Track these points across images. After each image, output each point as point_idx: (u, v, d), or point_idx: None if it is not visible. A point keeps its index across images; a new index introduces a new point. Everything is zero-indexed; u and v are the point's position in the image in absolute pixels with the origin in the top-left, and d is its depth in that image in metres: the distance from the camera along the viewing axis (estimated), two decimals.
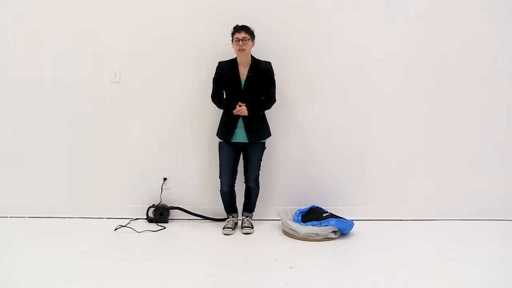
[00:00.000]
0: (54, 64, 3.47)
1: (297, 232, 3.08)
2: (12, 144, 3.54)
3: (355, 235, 3.16)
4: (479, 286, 2.43)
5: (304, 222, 3.18)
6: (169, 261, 2.74)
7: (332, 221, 3.11)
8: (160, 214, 3.43)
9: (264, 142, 3.23)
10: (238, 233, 3.25)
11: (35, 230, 3.30)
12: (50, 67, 3.47)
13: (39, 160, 3.54)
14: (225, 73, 3.13)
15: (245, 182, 3.27)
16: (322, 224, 3.09)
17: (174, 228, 3.36)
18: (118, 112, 3.50)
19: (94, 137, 3.52)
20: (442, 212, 3.51)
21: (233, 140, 3.15)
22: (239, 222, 3.36)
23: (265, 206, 3.47)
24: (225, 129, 3.16)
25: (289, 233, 3.15)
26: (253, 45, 3.12)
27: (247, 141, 3.14)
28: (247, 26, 3.07)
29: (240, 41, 3.01)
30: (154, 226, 3.36)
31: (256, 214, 3.39)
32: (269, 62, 3.17)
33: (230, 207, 3.33)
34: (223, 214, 3.39)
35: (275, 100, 3.19)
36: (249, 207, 3.32)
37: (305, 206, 3.40)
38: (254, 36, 3.11)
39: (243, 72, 3.11)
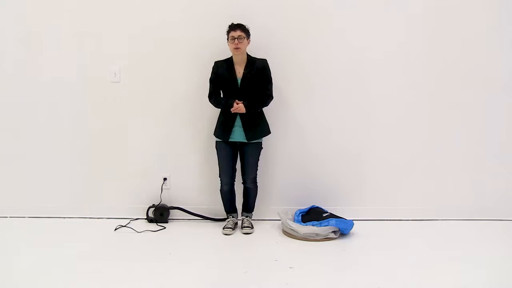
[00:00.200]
0: (54, 64, 3.47)
1: (297, 232, 3.08)
2: (12, 144, 3.54)
3: (355, 235, 3.16)
4: (479, 286, 2.43)
5: (304, 222, 3.18)
6: (169, 261, 2.74)
7: (332, 221, 3.11)
8: (160, 214, 3.43)
9: (261, 142, 3.22)
10: (238, 233, 3.25)
11: (35, 230, 3.31)
12: (50, 67, 3.47)
13: (39, 160, 3.55)
14: (222, 72, 3.13)
15: (243, 183, 3.26)
16: (322, 224, 3.09)
17: (174, 228, 3.36)
18: (118, 112, 3.50)
19: (94, 137, 3.52)
20: (442, 212, 3.51)
21: (230, 139, 3.15)
22: (239, 222, 3.36)
23: (265, 206, 3.47)
24: (223, 128, 3.16)
25: (289, 233, 3.15)
26: (249, 43, 3.13)
27: (244, 140, 3.13)
28: (242, 25, 3.07)
29: (236, 39, 3.01)
30: (154, 226, 3.36)
31: (256, 214, 3.39)
32: (265, 60, 3.17)
33: (230, 207, 3.33)
34: (223, 214, 3.39)
35: (272, 97, 3.19)
36: (248, 207, 3.32)
37: (305, 206, 3.40)
38: (249, 35, 3.11)
39: (239, 70, 3.12)
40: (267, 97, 3.16)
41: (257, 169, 3.24)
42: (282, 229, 3.24)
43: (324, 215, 3.22)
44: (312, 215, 3.24)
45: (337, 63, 3.43)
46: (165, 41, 3.43)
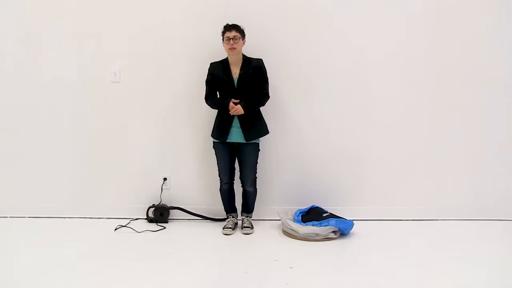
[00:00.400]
0: (54, 64, 3.47)
1: (297, 232, 3.08)
2: (12, 144, 3.54)
3: (355, 235, 3.16)
4: (479, 286, 2.43)
5: (304, 222, 3.18)
6: (169, 261, 2.74)
7: (332, 221, 3.11)
8: (160, 214, 3.43)
9: (258, 144, 3.21)
10: (238, 233, 3.25)
11: (35, 230, 3.31)
12: (50, 67, 3.48)
13: (39, 160, 3.55)
14: (218, 73, 3.13)
15: (242, 186, 3.25)
16: (322, 224, 3.09)
17: (174, 228, 3.36)
18: (118, 112, 3.50)
19: (94, 137, 3.52)
20: (442, 212, 3.51)
21: (228, 140, 3.15)
22: (239, 222, 3.35)
23: (265, 206, 3.47)
24: (220, 129, 3.16)
25: (289, 233, 3.15)
26: (244, 43, 3.12)
27: (242, 140, 3.13)
28: (237, 25, 3.07)
29: (231, 39, 3.02)
30: (154, 226, 3.36)
31: (256, 214, 3.39)
32: (261, 59, 3.17)
33: (229, 207, 3.33)
34: (223, 214, 3.39)
35: (268, 97, 3.18)
36: (248, 208, 3.32)
37: (305, 206, 3.40)
38: (244, 35, 3.11)
39: (235, 71, 3.12)
40: (264, 96, 3.16)
41: (256, 171, 3.24)
42: (282, 229, 3.24)
43: (324, 215, 3.22)
44: (312, 215, 3.24)
45: (337, 63, 3.43)
46: (165, 41, 3.43)
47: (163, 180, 3.54)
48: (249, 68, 3.10)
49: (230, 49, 3.04)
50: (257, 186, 3.27)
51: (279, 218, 3.29)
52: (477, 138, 3.50)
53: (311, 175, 3.52)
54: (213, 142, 3.24)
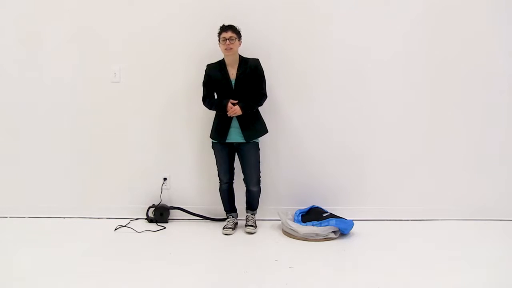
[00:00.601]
0: (54, 64, 3.47)
1: (297, 232, 3.08)
2: (12, 144, 3.54)
3: (355, 235, 3.16)
4: (479, 286, 2.43)
5: (304, 222, 3.18)
6: (169, 261, 2.74)
7: (332, 221, 3.11)
8: (160, 214, 3.43)
9: (258, 143, 3.21)
10: (238, 233, 3.25)
11: (35, 230, 3.31)
12: (50, 67, 3.48)
13: (39, 160, 3.55)
14: (214, 74, 3.14)
15: (246, 186, 3.25)
16: (322, 224, 3.09)
17: (174, 228, 3.36)
18: (118, 112, 3.50)
19: (94, 137, 3.53)
20: (442, 212, 3.51)
21: (227, 141, 3.14)
22: (243, 220, 3.34)
23: (265, 206, 3.46)
24: (219, 130, 3.16)
25: (289, 233, 3.15)
26: (240, 44, 3.13)
27: (241, 140, 3.12)
28: (233, 26, 3.08)
29: (227, 40, 3.02)
30: (154, 226, 3.36)
31: (256, 214, 3.38)
32: (257, 59, 3.16)
33: (229, 206, 3.34)
34: (223, 214, 3.39)
35: (266, 96, 3.18)
36: (252, 206, 3.31)
37: (305, 206, 3.40)
38: (240, 36, 3.11)
39: (232, 71, 3.12)
40: (262, 96, 3.16)
41: (259, 171, 3.23)
42: (282, 229, 3.24)
43: (324, 215, 3.22)
44: (312, 215, 3.24)
45: (337, 63, 3.43)
46: (165, 41, 3.43)
47: (163, 180, 3.54)
48: (246, 68, 3.10)
49: (226, 49, 3.04)
50: (261, 186, 3.26)
51: (279, 218, 3.29)
52: (477, 138, 3.50)
53: (311, 175, 3.52)
54: (212, 142, 3.24)
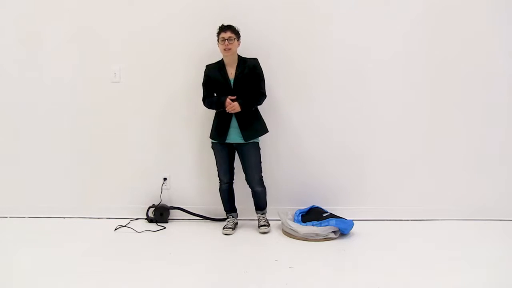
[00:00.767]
0: (54, 64, 3.48)
1: (297, 232, 3.08)
2: (12, 144, 3.55)
3: (355, 235, 3.16)
4: (479, 286, 2.43)
5: (304, 222, 3.18)
6: (169, 261, 2.74)
7: (332, 221, 3.11)
8: (160, 214, 3.43)
9: (258, 143, 3.21)
10: (238, 233, 3.25)
11: (35, 230, 3.31)
12: (50, 67, 3.48)
13: (39, 160, 3.55)
14: (214, 75, 3.15)
15: (250, 187, 3.25)
16: (322, 224, 3.09)
17: (174, 228, 3.36)
18: (118, 112, 3.50)
19: (94, 137, 3.53)
20: (442, 212, 3.51)
21: (227, 141, 3.14)
22: (255, 222, 3.34)
23: None
24: (218, 130, 3.16)
25: (289, 233, 3.15)
26: (239, 44, 3.13)
27: (241, 141, 3.12)
28: (232, 26, 3.09)
29: (226, 40, 3.03)
30: (154, 226, 3.36)
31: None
32: (256, 59, 3.17)
33: (229, 206, 3.34)
34: (223, 214, 3.39)
35: (265, 96, 3.19)
36: (260, 206, 3.31)
37: (305, 206, 3.40)
38: (239, 36, 3.12)
39: (231, 71, 3.12)
40: (261, 95, 3.16)
41: (261, 171, 3.23)
42: (282, 229, 3.24)
43: (324, 215, 3.22)
44: (312, 215, 3.24)
45: (337, 63, 3.43)
46: (165, 41, 3.43)
47: (163, 180, 3.54)
48: (245, 68, 3.11)
49: (225, 49, 3.05)
50: (264, 184, 3.26)
51: (279, 218, 3.29)
52: (477, 138, 3.49)
53: (311, 175, 3.52)
54: (212, 143, 3.24)
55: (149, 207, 3.47)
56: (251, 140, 3.13)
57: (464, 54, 3.43)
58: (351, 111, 3.47)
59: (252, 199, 3.30)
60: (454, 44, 3.42)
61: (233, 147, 3.21)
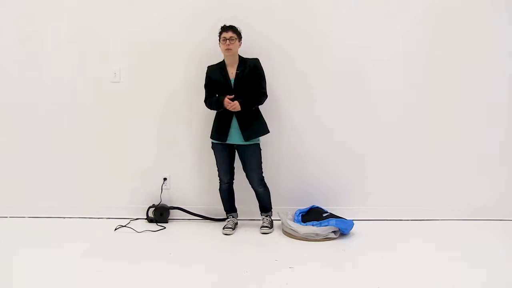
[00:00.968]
0: (54, 64, 3.48)
1: (297, 232, 3.08)
2: (12, 144, 3.55)
3: (355, 235, 3.16)
4: (479, 286, 2.43)
5: (304, 222, 3.18)
6: (169, 261, 2.73)
7: (332, 221, 3.11)
8: (160, 214, 3.43)
9: (259, 144, 3.21)
10: (238, 233, 3.25)
11: (35, 230, 3.31)
12: (50, 67, 3.48)
13: (39, 160, 3.55)
14: (215, 75, 3.15)
15: (252, 187, 3.25)
16: (322, 224, 3.09)
17: (174, 228, 3.36)
18: (118, 112, 3.50)
19: (94, 137, 3.53)
20: (442, 212, 3.51)
21: (227, 142, 3.14)
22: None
23: None
24: (219, 130, 3.16)
25: (289, 233, 3.15)
26: (240, 45, 3.14)
27: (241, 142, 3.12)
28: (234, 26, 3.10)
29: (227, 40, 3.04)
30: (154, 226, 3.36)
31: (256, 214, 3.38)
32: (257, 59, 3.17)
33: (229, 206, 3.34)
34: (223, 214, 3.39)
35: (266, 96, 3.19)
36: (264, 208, 3.30)
37: (305, 206, 3.40)
38: (241, 36, 3.13)
39: (232, 71, 3.13)
40: (262, 95, 3.16)
41: (262, 171, 3.22)
42: (282, 229, 3.24)
43: (324, 215, 3.22)
44: (312, 215, 3.24)
45: (337, 63, 3.43)
46: (165, 41, 3.43)
47: (163, 180, 3.54)
48: (245, 68, 3.11)
49: (226, 49, 3.05)
50: (267, 185, 3.26)
51: (279, 218, 3.29)
52: (477, 138, 3.49)
53: (311, 175, 3.52)
54: (212, 143, 3.24)
55: (149, 207, 3.47)
56: (251, 140, 3.13)
57: (464, 54, 3.43)
58: (352, 111, 3.47)
59: (252, 200, 3.30)
60: (454, 44, 3.42)
61: (233, 148, 3.21)
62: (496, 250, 2.92)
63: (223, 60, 3.17)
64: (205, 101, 3.23)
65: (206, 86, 3.22)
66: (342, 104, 3.46)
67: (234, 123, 3.12)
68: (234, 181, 3.31)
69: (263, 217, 3.31)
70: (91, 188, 3.57)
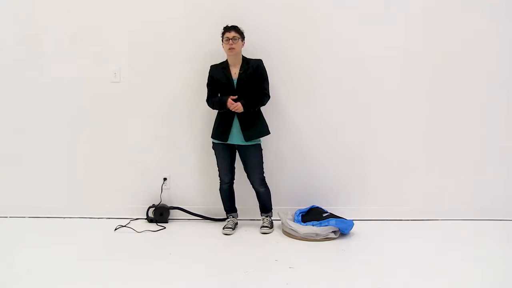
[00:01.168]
0: (54, 64, 3.48)
1: (297, 232, 3.08)
2: (12, 144, 3.54)
3: (355, 235, 3.16)
4: (479, 286, 2.43)
5: (304, 222, 3.18)
6: (169, 261, 2.74)
7: (332, 221, 3.11)
8: (160, 214, 3.43)
9: (260, 144, 3.20)
10: (238, 233, 3.25)
11: (35, 230, 3.31)
12: (50, 67, 3.48)
13: (39, 160, 3.55)
14: (217, 75, 3.16)
15: (252, 187, 3.25)
16: (322, 224, 3.09)
17: (174, 228, 3.36)
18: (118, 112, 3.50)
19: (94, 137, 3.53)
20: (442, 212, 3.51)
21: (228, 142, 3.14)
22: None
23: None
24: (220, 130, 3.16)
25: (289, 233, 3.15)
26: (243, 45, 3.15)
27: (242, 143, 3.12)
28: (237, 26, 3.10)
29: (230, 40, 3.04)
30: (154, 226, 3.36)
31: (256, 214, 3.38)
32: (260, 60, 3.18)
33: (229, 206, 3.33)
34: (223, 214, 3.39)
35: (269, 97, 3.19)
36: (264, 208, 3.31)
37: (305, 206, 3.40)
38: (244, 36, 3.14)
39: (235, 71, 3.13)
40: (264, 95, 3.16)
41: (263, 171, 3.23)
42: (282, 229, 3.24)
43: (324, 215, 3.22)
44: (312, 215, 3.24)
45: (337, 63, 3.43)
46: (165, 41, 3.43)
47: (163, 180, 3.54)
48: (248, 68, 3.11)
49: (229, 49, 3.06)
50: (268, 185, 3.25)
51: (279, 218, 3.29)
52: (477, 138, 3.49)
53: (311, 175, 3.52)
54: (213, 142, 3.24)
55: (149, 207, 3.47)
56: (251, 140, 3.13)
57: (464, 54, 3.43)
58: (352, 111, 3.47)
59: (253, 200, 3.30)
60: (454, 44, 3.42)
61: (234, 148, 3.21)
62: (496, 250, 2.92)
63: (226, 60, 3.17)
64: (207, 100, 3.23)
65: (208, 85, 3.22)
66: (343, 104, 3.46)
67: (236, 123, 3.12)
68: (234, 181, 3.31)
69: (263, 217, 3.31)
70: (91, 188, 3.57)
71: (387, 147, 3.50)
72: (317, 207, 3.36)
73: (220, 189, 3.29)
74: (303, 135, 3.49)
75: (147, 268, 2.61)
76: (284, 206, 3.41)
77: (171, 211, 3.49)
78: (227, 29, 3.09)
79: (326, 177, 3.52)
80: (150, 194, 3.53)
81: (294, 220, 3.22)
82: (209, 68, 3.23)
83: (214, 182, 3.34)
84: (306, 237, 3.05)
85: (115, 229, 3.28)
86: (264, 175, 3.24)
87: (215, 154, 3.25)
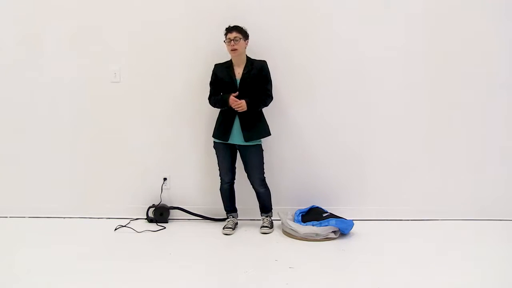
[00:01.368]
0: (54, 64, 3.47)
1: (297, 232, 3.08)
2: (12, 144, 3.54)
3: (355, 235, 3.16)
4: (479, 286, 2.43)
5: (304, 222, 3.18)
6: (169, 261, 2.74)
7: (332, 221, 3.11)
8: (160, 214, 3.43)
9: (260, 145, 3.20)
10: (238, 233, 3.25)
11: (35, 230, 3.31)
12: (50, 67, 3.48)
13: (39, 160, 3.55)
14: (221, 74, 3.15)
15: (252, 187, 3.25)
16: (322, 224, 3.09)
17: (174, 228, 3.36)
18: (118, 112, 3.50)
19: (94, 137, 3.53)
20: (442, 212, 3.51)
21: (229, 141, 3.14)
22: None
23: None
24: (222, 129, 3.16)
25: (289, 233, 3.15)
26: (247, 44, 3.14)
27: (242, 143, 3.12)
28: (239, 26, 3.10)
29: (232, 40, 3.04)
30: (154, 226, 3.36)
31: (255, 214, 3.38)
32: (264, 61, 3.17)
33: (229, 206, 3.33)
34: (223, 214, 3.39)
35: (272, 98, 3.19)
36: (265, 209, 3.31)
37: (305, 206, 3.40)
38: (247, 36, 3.13)
39: (238, 71, 3.13)
40: (267, 96, 3.16)
41: (263, 172, 3.23)
42: (282, 229, 3.24)
43: (324, 215, 3.22)
44: (312, 215, 3.24)
45: (338, 64, 3.43)
46: (165, 41, 3.43)
47: (163, 180, 3.54)
48: (252, 69, 3.11)
49: (231, 50, 3.06)
50: (268, 185, 3.25)
51: (279, 218, 3.29)
52: (477, 138, 3.50)
53: (311, 175, 3.52)
54: (214, 142, 3.24)
55: (149, 207, 3.47)
56: (251, 141, 3.13)
57: (464, 54, 3.43)
58: (352, 111, 3.47)
59: (253, 200, 3.30)
60: (454, 44, 3.42)
61: (235, 147, 3.21)
62: (496, 250, 2.92)
63: (231, 59, 3.17)
64: (209, 98, 3.23)
65: (211, 83, 3.22)
66: (343, 104, 3.46)
67: (237, 123, 3.12)
68: (235, 181, 3.30)
69: (263, 217, 3.31)
70: (91, 188, 3.57)
71: (387, 147, 3.50)
72: (317, 207, 3.36)
73: (220, 189, 3.30)
74: (303, 135, 3.49)
75: (147, 268, 2.61)
76: (284, 206, 3.41)
77: (171, 211, 3.49)
78: (228, 29, 3.09)
79: (326, 177, 3.52)
80: (150, 194, 3.53)
81: (294, 220, 3.23)
82: (209, 67, 3.23)
83: (214, 182, 3.34)
84: (306, 237, 3.05)
85: (115, 229, 3.28)
86: (265, 175, 3.24)
87: (216, 154, 3.25)
